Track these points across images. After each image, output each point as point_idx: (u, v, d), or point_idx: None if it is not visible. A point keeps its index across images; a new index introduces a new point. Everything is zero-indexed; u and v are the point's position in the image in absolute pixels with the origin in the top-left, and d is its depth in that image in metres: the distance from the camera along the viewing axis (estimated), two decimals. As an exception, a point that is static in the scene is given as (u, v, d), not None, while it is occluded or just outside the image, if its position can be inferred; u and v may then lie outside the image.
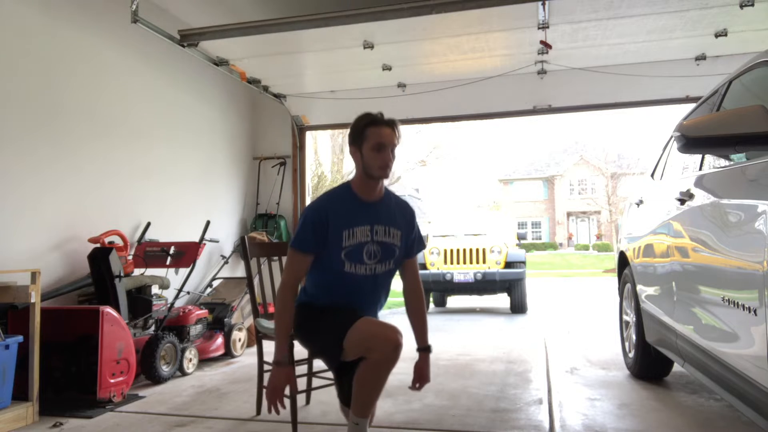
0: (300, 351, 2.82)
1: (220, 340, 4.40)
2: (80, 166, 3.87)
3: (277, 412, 2.16)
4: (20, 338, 2.80)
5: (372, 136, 2.17)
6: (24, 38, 3.47)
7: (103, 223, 3.96)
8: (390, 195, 2.37)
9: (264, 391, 2.87)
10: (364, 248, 2.22)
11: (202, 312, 4.27)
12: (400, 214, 2.35)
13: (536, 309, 9.47)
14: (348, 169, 17.73)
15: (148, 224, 4.38)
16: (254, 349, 3.84)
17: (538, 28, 4.16)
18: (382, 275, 2.29)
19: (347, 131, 2.33)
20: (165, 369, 3.64)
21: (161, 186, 4.66)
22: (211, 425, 2.77)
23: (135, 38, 4.25)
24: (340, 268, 2.20)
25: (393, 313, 8.05)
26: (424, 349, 2.35)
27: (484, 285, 8.77)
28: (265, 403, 2.91)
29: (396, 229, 2.30)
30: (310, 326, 2.25)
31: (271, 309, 3.96)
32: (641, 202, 3.49)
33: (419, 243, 2.45)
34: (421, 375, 2.33)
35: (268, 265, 3.08)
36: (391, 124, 2.20)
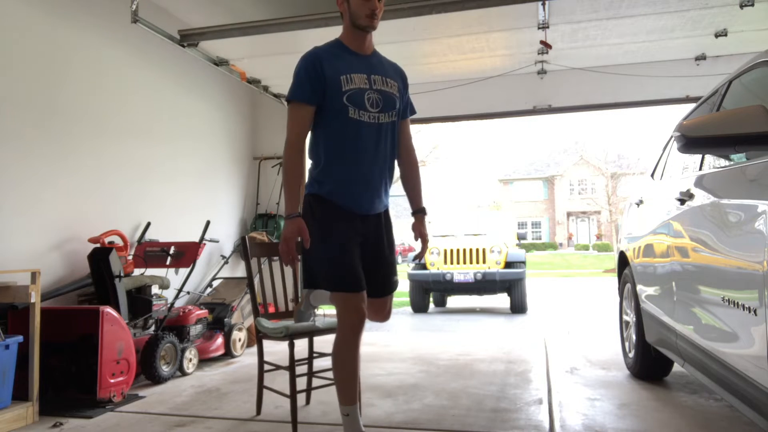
0: (300, 351, 2.83)
1: (220, 340, 4.40)
2: (80, 166, 3.87)
3: (293, 264, 2.15)
4: (20, 338, 2.80)
5: None
6: (24, 38, 3.47)
7: (103, 223, 3.96)
8: (380, 54, 2.35)
9: (263, 390, 2.88)
10: (365, 94, 2.16)
11: (202, 312, 4.27)
12: (392, 68, 2.34)
13: (536, 309, 9.47)
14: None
15: (148, 224, 4.38)
16: (254, 349, 3.84)
17: (538, 28, 4.16)
18: (386, 126, 2.23)
19: None
20: (165, 369, 3.64)
21: (161, 186, 4.66)
22: (211, 425, 2.77)
23: (135, 38, 4.25)
24: (344, 113, 2.13)
25: (393, 313, 8.04)
26: (419, 211, 2.43)
27: (484, 285, 8.76)
28: (265, 402, 2.93)
29: (392, 80, 2.27)
30: (317, 241, 2.16)
31: (271, 308, 3.97)
32: (641, 202, 3.49)
33: (412, 106, 2.45)
34: (421, 234, 2.42)
35: (269, 265, 3.08)
36: None
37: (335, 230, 2.17)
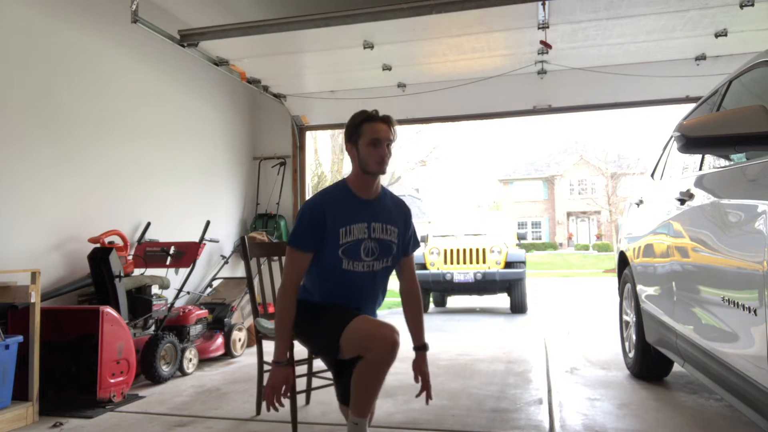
0: (300, 351, 2.82)
1: (220, 340, 4.40)
2: (80, 166, 3.87)
3: (276, 409, 2.16)
4: (20, 338, 2.80)
5: (368, 132, 2.18)
6: (24, 38, 3.47)
7: (103, 223, 3.96)
8: (386, 193, 2.38)
9: (264, 390, 2.88)
10: (362, 245, 2.22)
11: (202, 312, 4.27)
12: (397, 212, 2.36)
13: (536, 309, 9.47)
14: (348, 170, 17.71)
15: (148, 224, 4.38)
16: (254, 349, 3.84)
17: (538, 28, 4.16)
18: (380, 272, 2.30)
19: None
20: (165, 369, 3.64)
21: (161, 186, 4.66)
22: (211, 425, 2.77)
23: (135, 38, 4.25)
24: (338, 265, 2.21)
25: (393, 313, 8.05)
26: (420, 347, 2.35)
27: (484, 285, 8.77)
28: (265, 402, 2.93)
29: (393, 226, 2.30)
30: (309, 324, 2.25)
31: (271, 309, 3.97)
32: (641, 202, 3.49)
33: (415, 241, 2.46)
34: (421, 372, 2.33)
35: (268, 265, 3.08)
36: (387, 120, 2.22)
37: (320, 305, 2.25)
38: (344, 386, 2.21)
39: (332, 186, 2.35)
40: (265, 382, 2.87)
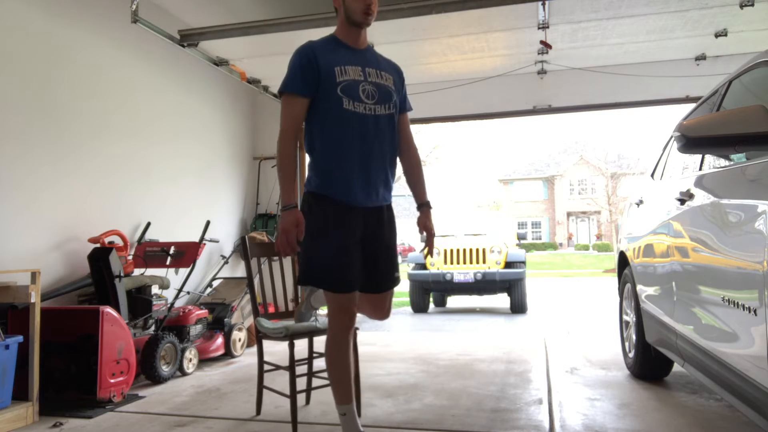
0: (300, 351, 2.83)
1: (220, 340, 4.40)
2: (80, 166, 3.87)
3: (291, 253, 2.11)
4: (20, 338, 2.80)
5: None
6: (24, 38, 3.47)
7: (103, 223, 3.96)
8: (375, 50, 2.34)
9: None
10: (360, 86, 2.14)
11: (202, 312, 4.27)
12: (388, 64, 2.33)
13: (536, 309, 9.47)
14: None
15: (148, 224, 4.38)
16: (254, 349, 3.84)
17: (538, 28, 4.16)
18: (383, 119, 2.20)
19: None
20: (165, 369, 3.64)
21: (161, 186, 4.67)
22: (211, 425, 2.77)
23: (135, 38, 4.25)
24: (339, 105, 2.11)
25: (393, 313, 8.04)
26: (423, 204, 2.41)
27: (484, 285, 8.76)
28: (265, 402, 2.93)
29: (387, 73, 2.26)
30: (315, 237, 2.14)
31: (271, 309, 3.97)
32: (641, 202, 3.49)
33: (408, 102, 2.43)
34: (425, 227, 2.39)
35: (268, 265, 3.08)
36: None
37: (332, 230, 2.15)
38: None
39: (320, 38, 2.25)
40: (265, 382, 2.88)
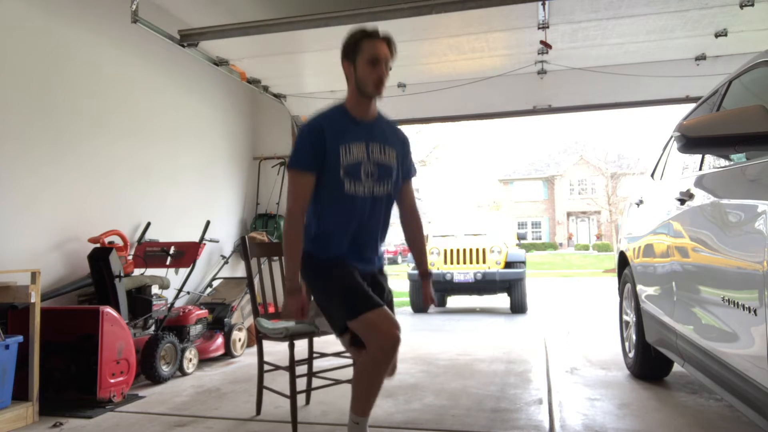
0: (300, 351, 2.83)
1: (220, 340, 4.40)
2: (80, 166, 3.87)
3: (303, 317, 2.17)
4: (20, 338, 2.80)
5: (367, 50, 2.11)
6: (24, 38, 3.47)
7: (103, 223, 3.96)
8: (383, 117, 2.33)
9: (263, 390, 2.88)
10: (362, 166, 2.16)
11: (202, 312, 4.27)
12: (394, 135, 2.32)
13: (536, 309, 9.47)
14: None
15: (148, 224, 4.38)
16: (254, 349, 3.84)
17: (538, 28, 4.16)
18: (381, 199, 2.23)
19: None
20: (165, 369, 3.64)
21: (161, 186, 4.66)
22: (211, 425, 2.77)
23: (135, 38, 4.25)
24: (341, 188, 2.13)
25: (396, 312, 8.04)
26: (424, 274, 2.44)
27: (484, 285, 8.76)
28: (265, 402, 2.93)
29: (391, 148, 2.26)
30: (321, 286, 2.18)
31: (271, 309, 3.97)
32: (641, 202, 3.49)
33: (414, 167, 2.44)
34: (427, 297, 2.43)
35: (268, 265, 3.08)
36: (386, 39, 2.16)
37: (334, 269, 2.18)
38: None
39: (329, 107, 2.25)
40: (265, 383, 2.88)
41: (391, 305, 2.32)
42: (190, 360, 3.94)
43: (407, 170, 2.36)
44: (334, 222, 2.18)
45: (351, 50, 2.15)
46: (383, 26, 4.14)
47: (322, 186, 2.16)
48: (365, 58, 2.11)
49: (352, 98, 2.21)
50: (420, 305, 9.14)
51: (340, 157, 2.13)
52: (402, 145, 2.34)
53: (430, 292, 2.46)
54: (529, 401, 3.09)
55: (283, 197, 6.07)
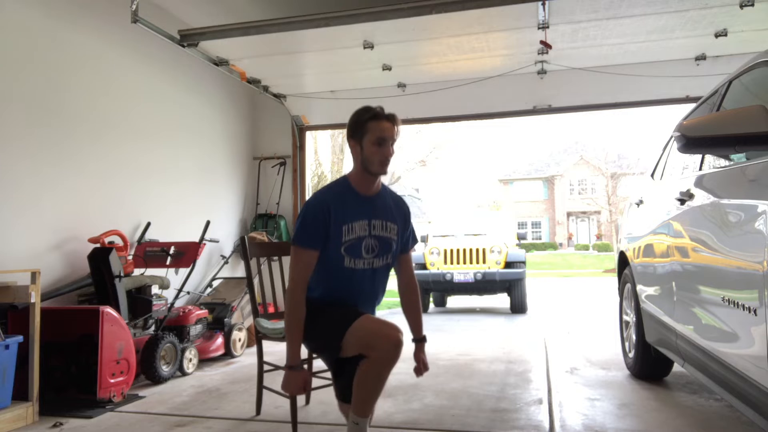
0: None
1: (220, 340, 4.40)
2: (80, 166, 3.87)
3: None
4: (20, 338, 2.80)
5: (373, 131, 2.16)
6: (24, 38, 3.47)
7: (103, 223, 3.96)
8: (386, 190, 2.39)
9: (263, 390, 2.88)
10: (363, 242, 2.22)
11: (202, 312, 4.27)
12: (396, 209, 2.37)
13: (536, 309, 9.47)
14: (348, 169, 17.71)
15: (148, 224, 4.38)
16: (254, 349, 3.84)
17: (538, 28, 4.16)
18: (380, 270, 2.31)
19: None
20: (165, 369, 3.64)
21: (161, 186, 4.66)
22: (211, 425, 2.77)
23: (135, 38, 4.25)
24: (340, 263, 2.20)
25: (393, 313, 8.05)
26: (419, 340, 2.42)
27: (484, 285, 8.76)
28: (265, 402, 2.93)
29: (393, 223, 2.31)
30: (309, 322, 2.23)
31: (271, 309, 3.97)
32: (641, 202, 3.49)
33: (414, 238, 2.48)
34: (420, 360, 2.41)
35: (268, 265, 3.08)
36: (392, 119, 2.21)
37: (323, 306, 2.22)
38: (343, 384, 2.22)
39: (334, 182, 2.34)
40: (265, 382, 2.89)
41: None
42: (190, 360, 3.94)
43: (406, 242, 2.42)
44: (334, 289, 2.25)
45: (357, 130, 2.21)
46: (383, 26, 4.17)
47: (324, 258, 2.21)
48: (372, 139, 2.16)
49: (357, 175, 2.27)
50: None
51: (342, 236, 2.19)
52: (403, 218, 2.39)
53: (425, 358, 2.40)
54: (529, 401, 3.09)
55: (283, 197, 6.07)
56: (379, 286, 2.35)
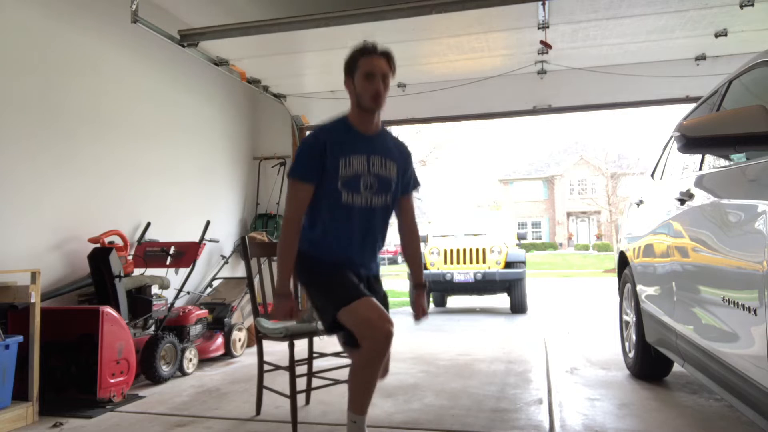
0: (300, 351, 2.83)
1: (220, 340, 4.40)
2: (80, 166, 3.87)
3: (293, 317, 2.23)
4: (20, 338, 2.80)
5: (363, 66, 2.17)
6: (24, 38, 3.47)
7: (103, 223, 3.96)
8: (387, 132, 2.38)
9: (263, 390, 2.88)
10: (361, 178, 2.21)
11: (202, 312, 4.27)
12: (397, 149, 2.36)
13: (536, 309, 9.46)
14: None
15: (148, 224, 4.38)
16: (254, 349, 3.84)
17: (538, 28, 4.16)
18: (379, 210, 2.28)
19: None
20: (165, 369, 3.64)
21: (161, 186, 4.66)
22: (211, 425, 2.77)
23: (135, 38, 4.25)
24: (338, 199, 2.19)
25: (393, 313, 8.04)
26: (419, 285, 2.44)
27: (484, 285, 8.75)
28: (265, 402, 2.93)
29: (392, 162, 2.30)
30: (313, 281, 2.24)
31: (271, 308, 3.96)
32: (641, 202, 3.49)
33: (416, 181, 2.47)
34: (420, 308, 2.43)
35: (268, 265, 3.08)
36: (384, 54, 2.20)
37: (327, 267, 2.22)
38: (345, 334, 2.20)
39: (332, 119, 2.32)
40: (265, 382, 2.88)
41: (386, 308, 2.32)
42: (190, 360, 3.94)
43: (407, 184, 2.40)
44: (331, 228, 2.23)
45: (350, 67, 2.23)
46: (383, 26, 4.16)
47: (321, 195, 2.21)
48: (362, 74, 2.17)
49: (354, 113, 2.26)
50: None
51: (339, 169, 2.18)
52: (404, 159, 2.38)
53: (424, 303, 2.45)
54: (529, 401, 3.09)
55: (283, 197, 6.06)
56: (377, 229, 2.30)
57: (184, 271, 4.17)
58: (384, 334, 2.05)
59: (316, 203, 2.22)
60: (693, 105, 3.10)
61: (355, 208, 2.21)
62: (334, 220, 2.22)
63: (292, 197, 2.22)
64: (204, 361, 4.21)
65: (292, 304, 2.19)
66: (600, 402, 3.05)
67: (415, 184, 2.46)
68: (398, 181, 2.32)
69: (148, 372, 3.56)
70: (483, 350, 4.62)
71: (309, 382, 3.04)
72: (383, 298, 2.35)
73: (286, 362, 2.68)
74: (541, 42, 4.37)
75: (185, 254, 4.10)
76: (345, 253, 2.25)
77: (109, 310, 3.16)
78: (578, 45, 4.60)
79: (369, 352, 2.06)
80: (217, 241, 5.11)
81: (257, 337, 2.88)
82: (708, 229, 2.16)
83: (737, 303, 1.82)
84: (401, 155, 2.36)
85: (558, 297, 12.38)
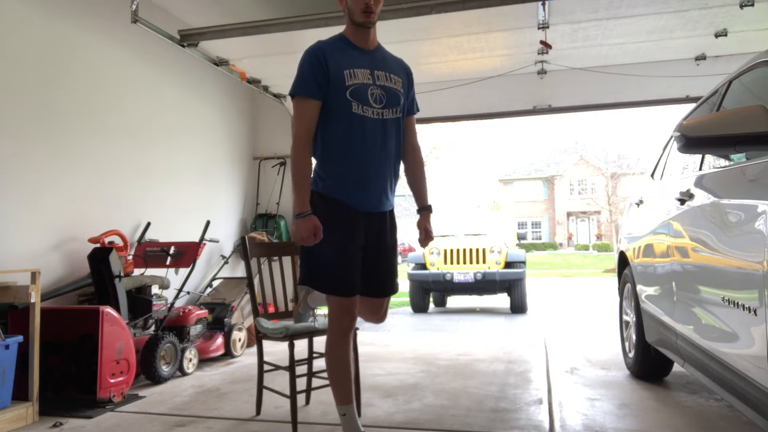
0: (300, 351, 2.83)
1: (220, 340, 4.40)
2: (80, 166, 3.87)
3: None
4: (20, 338, 2.80)
5: None
6: (24, 38, 3.47)
7: (103, 223, 3.96)
8: (384, 48, 2.36)
9: (263, 390, 2.88)
10: (369, 90, 2.16)
11: (202, 312, 4.27)
12: (398, 65, 2.34)
13: (536, 309, 9.47)
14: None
15: (148, 224, 4.38)
16: (254, 349, 3.84)
17: (538, 28, 4.16)
18: (390, 123, 2.22)
19: None
20: (165, 369, 3.64)
21: (161, 186, 4.67)
22: (211, 425, 2.77)
23: (135, 38, 4.25)
24: (348, 109, 2.12)
25: (393, 313, 8.05)
26: (424, 208, 2.42)
27: (484, 285, 8.76)
28: (265, 402, 2.93)
29: (396, 76, 2.27)
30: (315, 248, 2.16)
31: (271, 309, 3.97)
32: (641, 202, 3.49)
33: (416, 103, 2.46)
34: (424, 228, 2.40)
35: (268, 265, 3.08)
36: None
37: (337, 231, 2.15)
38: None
39: (329, 38, 2.27)
40: (265, 383, 2.88)
41: (393, 256, 2.33)
42: (190, 360, 3.94)
43: (410, 103, 2.37)
44: (344, 145, 2.15)
45: None
46: (383, 26, 4.16)
47: (329, 110, 2.15)
48: None
49: (349, 29, 2.25)
50: (420, 305, 9.14)
51: (345, 80, 2.13)
52: (407, 75, 2.36)
53: (430, 228, 2.40)
54: (529, 401, 3.09)
55: (283, 197, 6.07)
56: (391, 142, 2.23)
57: (184, 271, 4.17)
58: (342, 330, 2.19)
59: (325, 123, 2.16)
60: (693, 105, 3.10)
61: (367, 119, 2.14)
62: (345, 137, 2.14)
63: (299, 116, 2.14)
64: (204, 361, 4.21)
65: (315, 221, 2.08)
66: (600, 402, 3.05)
67: (416, 107, 2.45)
68: (405, 96, 2.30)
69: (148, 372, 3.56)
70: (483, 350, 4.62)
71: (309, 382, 3.04)
72: (390, 248, 2.30)
73: (286, 362, 2.68)
74: (541, 42, 4.37)
75: (185, 254, 4.10)
76: (361, 185, 2.17)
77: (109, 310, 3.16)
78: (578, 45, 4.60)
79: (329, 341, 2.22)
80: (217, 241, 5.11)
81: (257, 337, 2.88)
82: (708, 229, 2.16)
83: (737, 303, 1.82)
84: (404, 71, 2.34)
85: (558, 297, 12.38)
